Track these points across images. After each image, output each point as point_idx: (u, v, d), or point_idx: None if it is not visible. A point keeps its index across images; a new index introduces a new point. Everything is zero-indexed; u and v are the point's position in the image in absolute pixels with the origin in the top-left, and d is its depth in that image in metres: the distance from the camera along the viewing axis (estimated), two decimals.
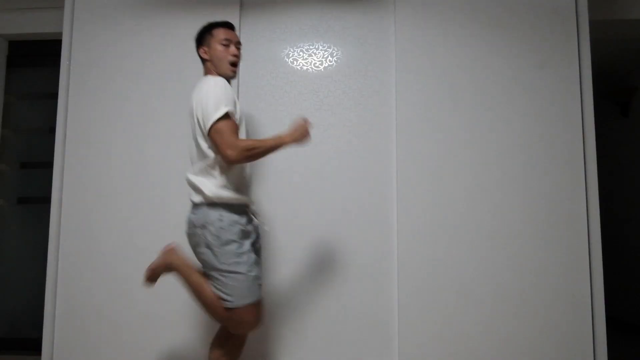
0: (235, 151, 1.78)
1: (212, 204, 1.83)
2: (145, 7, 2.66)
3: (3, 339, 3.08)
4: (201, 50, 2.01)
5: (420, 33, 2.54)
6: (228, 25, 2.02)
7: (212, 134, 1.80)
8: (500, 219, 2.42)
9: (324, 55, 2.59)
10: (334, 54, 2.58)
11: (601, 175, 2.49)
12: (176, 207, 2.52)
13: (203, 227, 1.82)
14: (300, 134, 1.90)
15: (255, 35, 2.62)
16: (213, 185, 1.84)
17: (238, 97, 2.57)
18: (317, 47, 2.60)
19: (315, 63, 2.59)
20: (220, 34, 1.98)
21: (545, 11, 2.51)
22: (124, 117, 2.61)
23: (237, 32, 2.59)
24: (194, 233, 1.86)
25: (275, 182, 2.51)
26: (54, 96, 2.68)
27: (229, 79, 1.96)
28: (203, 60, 2.01)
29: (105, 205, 2.56)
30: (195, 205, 1.88)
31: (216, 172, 1.85)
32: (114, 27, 2.67)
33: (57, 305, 2.52)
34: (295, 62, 2.60)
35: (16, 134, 3.27)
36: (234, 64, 1.96)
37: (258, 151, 1.83)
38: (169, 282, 2.48)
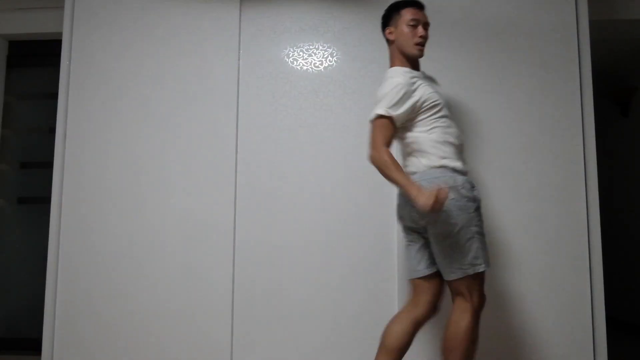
0: (375, 154, 1.82)
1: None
2: (145, 6, 2.66)
3: (3, 338, 3.08)
4: (387, 31, 2.00)
5: None
6: (417, 5, 1.99)
7: (371, 126, 1.86)
8: (499, 218, 2.42)
9: (324, 55, 2.59)
10: (334, 54, 2.58)
11: (601, 175, 2.49)
12: (177, 207, 2.52)
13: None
14: (426, 199, 1.68)
15: (255, 35, 2.62)
16: None
17: (238, 97, 2.57)
18: (317, 47, 2.60)
19: (315, 63, 2.59)
20: (407, 14, 1.95)
21: (545, 11, 2.51)
22: (124, 117, 2.61)
23: (237, 32, 2.61)
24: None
25: (275, 182, 2.51)
26: (54, 96, 2.68)
27: (414, 58, 1.97)
28: (388, 41, 2.02)
29: (106, 205, 2.56)
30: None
31: None
32: (113, 27, 2.67)
33: (57, 305, 2.52)
34: (295, 62, 2.60)
35: (16, 134, 3.27)
36: (421, 44, 1.95)
37: (387, 172, 1.79)
38: (169, 282, 2.49)
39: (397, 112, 1.83)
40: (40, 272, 2.57)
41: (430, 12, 2.54)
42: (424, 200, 1.67)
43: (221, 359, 2.42)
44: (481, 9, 2.54)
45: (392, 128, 1.84)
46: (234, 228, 2.50)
